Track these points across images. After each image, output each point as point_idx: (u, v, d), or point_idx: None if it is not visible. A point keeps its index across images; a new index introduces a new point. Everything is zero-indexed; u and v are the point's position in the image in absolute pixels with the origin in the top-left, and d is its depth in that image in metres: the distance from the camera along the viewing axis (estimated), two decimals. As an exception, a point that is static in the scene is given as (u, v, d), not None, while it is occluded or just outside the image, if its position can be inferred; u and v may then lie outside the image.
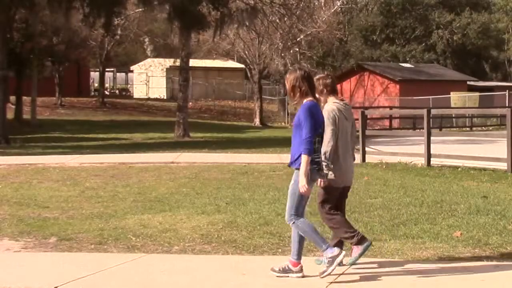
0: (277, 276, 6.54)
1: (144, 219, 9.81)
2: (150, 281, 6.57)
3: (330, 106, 6.98)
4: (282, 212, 10.10)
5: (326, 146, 6.78)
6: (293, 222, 6.46)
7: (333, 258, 6.39)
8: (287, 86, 6.63)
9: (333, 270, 6.40)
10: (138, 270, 6.98)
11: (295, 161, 6.44)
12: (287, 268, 6.56)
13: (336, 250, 6.44)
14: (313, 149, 6.40)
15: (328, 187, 6.85)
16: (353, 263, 6.85)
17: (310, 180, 6.42)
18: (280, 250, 7.82)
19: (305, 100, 6.53)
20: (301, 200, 6.44)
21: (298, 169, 6.39)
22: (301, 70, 6.66)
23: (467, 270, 6.82)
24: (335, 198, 6.97)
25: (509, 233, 8.44)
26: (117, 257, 7.52)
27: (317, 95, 6.84)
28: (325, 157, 6.73)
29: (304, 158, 6.32)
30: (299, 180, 6.35)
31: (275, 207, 10.53)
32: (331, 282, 6.36)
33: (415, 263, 7.12)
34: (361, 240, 6.83)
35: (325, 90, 7.07)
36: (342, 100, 7.17)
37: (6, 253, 7.95)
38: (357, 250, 6.82)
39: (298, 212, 6.45)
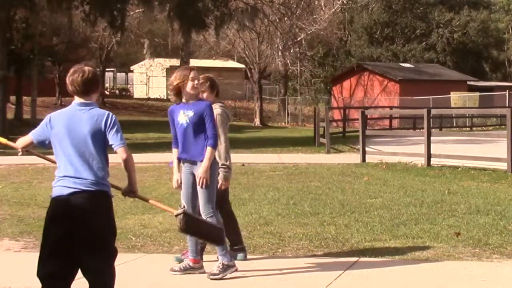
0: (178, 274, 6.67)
1: (144, 219, 9.81)
2: (150, 281, 6.57)
3: (220, 110, 7.06)
4: (282, 212, 10.14)
5: (223, 149, 6.95)
6: (211, 216, 6.56)
7: (229, 267, 6.54)
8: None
9: (223, 277, 6.50)
10: (138, 270, 6.98)
11: (200, 154, 6.54)
12: (188, 266, 6.72)
13: (233, 262, 6.59)
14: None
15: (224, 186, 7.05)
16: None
17: (217, 172, 6.72)
18: (280, 250, 7.82)
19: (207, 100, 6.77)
20: (213, 194, 6.62)
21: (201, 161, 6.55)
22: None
23: (467, 270, 6.83)
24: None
25: (509, 233, 8.45)
26: (117, 257, 7.50)
27: (204, 95, 6.98)
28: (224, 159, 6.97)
29: (211, 151, 6.50)
30: (203, 170, 6.48)
31: (275, 207, 10.54)
32: (331, 283, 6.37)
33: (415, 263, 7.13)
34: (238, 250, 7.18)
35: (215, 92, 7.15)
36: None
37: (6, 253, 7.96)
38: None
39: (214, 206, 6.63)
